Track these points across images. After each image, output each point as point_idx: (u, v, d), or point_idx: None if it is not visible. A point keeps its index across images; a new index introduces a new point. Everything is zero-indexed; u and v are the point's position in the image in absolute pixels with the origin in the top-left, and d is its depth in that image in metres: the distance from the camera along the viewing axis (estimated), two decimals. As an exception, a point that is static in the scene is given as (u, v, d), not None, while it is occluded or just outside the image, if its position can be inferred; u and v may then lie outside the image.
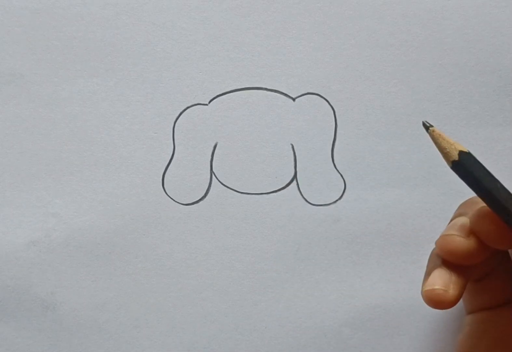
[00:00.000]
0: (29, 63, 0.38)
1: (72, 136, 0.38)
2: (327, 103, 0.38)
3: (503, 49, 0.38)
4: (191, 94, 0.38)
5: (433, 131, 0.29)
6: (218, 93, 0.38)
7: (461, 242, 0.30)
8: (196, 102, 0.38)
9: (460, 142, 0.37)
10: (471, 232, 0.30)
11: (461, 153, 0.28)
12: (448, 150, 0.29)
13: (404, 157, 0.37)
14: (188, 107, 0.38)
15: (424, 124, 0.29)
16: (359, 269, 0.37)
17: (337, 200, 0.37)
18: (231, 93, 0.38)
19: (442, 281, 0.30)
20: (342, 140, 0.38)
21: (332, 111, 0.38)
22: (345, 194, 0.37)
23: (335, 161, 0.38)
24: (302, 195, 0.37)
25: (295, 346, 0.37)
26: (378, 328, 0.37)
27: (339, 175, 0.38)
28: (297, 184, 0.37)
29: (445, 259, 0.31)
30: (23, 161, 0.38)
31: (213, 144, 0.38)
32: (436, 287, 0.30)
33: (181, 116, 0.38)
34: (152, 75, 0.38)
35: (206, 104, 0.38)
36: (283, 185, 0.38)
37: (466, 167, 0.28)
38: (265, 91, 0.38)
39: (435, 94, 0.38)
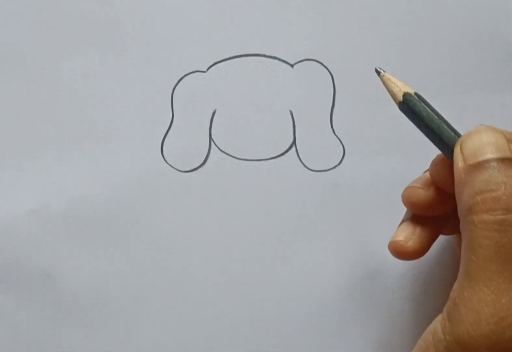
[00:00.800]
0: (27, 41, 0.38)
1: (71, 106, 0.38)
2: (325, 69, 0.38)
3: (501, 17, 0.38)
4: (189, 61, 0.38)
5: (383, 75, 0.30)
6: (216, 60, 0.38)
7: (421, 193, 0.31)
8: (194, 70, 0.38)
9: (459, 110, 0.38)
10: (432, 182, 0.31)
11: (406, 94, 0.29)
12: (394, 92, 0.30)
13: (402, 124, 0.37)
14: (186, 75, 0.38)
15: (376, 70, 0.31)
16: (359, 234, 0.37)
17: (336, 166, 0.37)
18: (229, 60, 0.38)
19: (405, 233, 0.32)
20: (341, 106, 0.38)
21: (330, 77, 0.38)
22: (344, 159, 0.37)
23: (334, 127, 0.38)
24: (301, 161, 0.37)
25: (296, 316, 0.37)
26: (378, 294, 0.37)
27: (338, 141, 0.37)
28: (296, 150, 0.37)
29: (411, 211, 0.32)
30: (23, 134, 0.38)
31: (211, 111, 0.38)
32: (397, 238, 0.32)
33: (179, 83, 0.38)
34: (150, 42, 0.38)
35: (204, 72, 0.38)
36: (282, 151, 0.37)
37: (410, 107, 0.29)
38: (263, 57, 0.38)
39: (433, 62, 0.38)
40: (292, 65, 0.38)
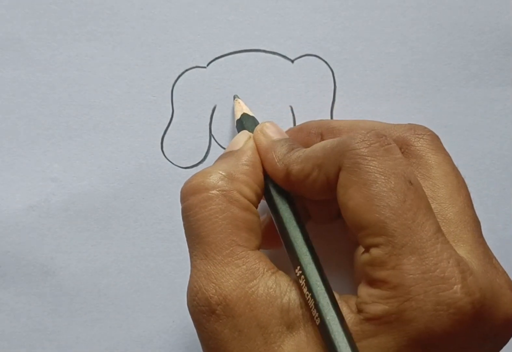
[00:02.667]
0: (27, 28, 0.37)
1: (70, 101, 0.37)
2: (326, 64, 0.38)
3: (501, 8, 0.37)
4: (189, 57, 0.38)
5: (236, 100, 0.37)
6: (216, 56, 0.38)
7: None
8: (194, 65, 0.38)
9: (459, 102, 0.38)
10: None
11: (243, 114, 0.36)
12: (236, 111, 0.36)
13: (403, 118, 0.37)
14: (186, 70, 0.37)
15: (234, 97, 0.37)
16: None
17: (336, 161, 0.37)
18: (230, 56, 0.37)
19: None
20: (342, 102, 0.38)
21: (331, 73, 0.38)
22: (344, 155, 0.37)
23: (334, 123, 0.37)
24: (301, 156, 0.37)
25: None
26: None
27: (339, 137, 0.37)
28: (297, 146, 0.37)
29: None
30: (21, 126, 0.37)
31: (212, 107, 0.38)
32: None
33: (179, 79, 0.37)
34: (150, 39, 0.37)
35: (205, 67, 0.38)
36: (283, 147, 0.37)
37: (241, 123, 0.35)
38: (263, 53, 0.38)
39: (434, 55, 0.38)
40: (292, 61, 0.38)
